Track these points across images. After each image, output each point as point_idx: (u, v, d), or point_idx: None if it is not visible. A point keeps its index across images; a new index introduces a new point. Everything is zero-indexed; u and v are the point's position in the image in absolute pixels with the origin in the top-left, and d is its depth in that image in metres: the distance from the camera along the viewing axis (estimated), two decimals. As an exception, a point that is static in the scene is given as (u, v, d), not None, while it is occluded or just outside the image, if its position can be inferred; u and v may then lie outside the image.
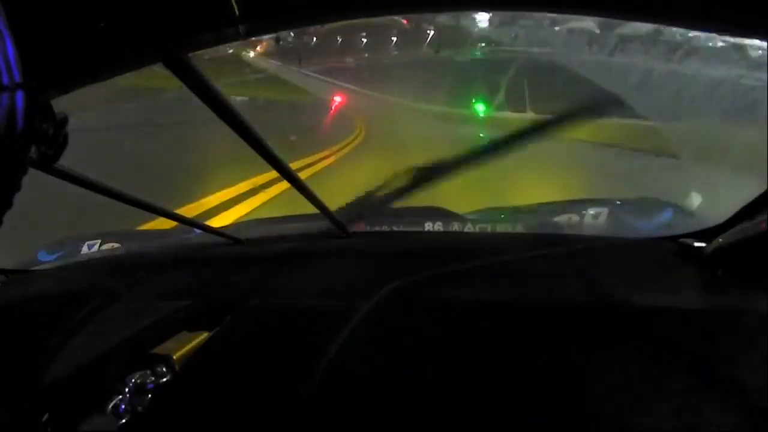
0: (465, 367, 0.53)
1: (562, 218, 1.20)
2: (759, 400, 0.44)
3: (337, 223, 0.98)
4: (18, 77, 0.26)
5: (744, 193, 0.64)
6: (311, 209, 0.89)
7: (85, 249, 1.28)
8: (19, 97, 0.26)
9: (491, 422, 0.46)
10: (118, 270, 1.00)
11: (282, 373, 0.56)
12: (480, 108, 11.30)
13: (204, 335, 0.68)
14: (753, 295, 0.57)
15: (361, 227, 1.14)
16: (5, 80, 0.25)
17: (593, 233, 1.04)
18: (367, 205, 1.20)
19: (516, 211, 1.43)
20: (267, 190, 3.96)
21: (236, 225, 1.33)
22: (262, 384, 0.55)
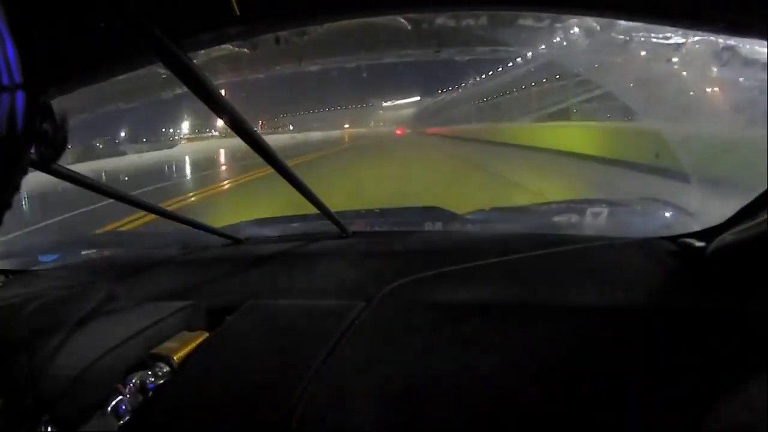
0: (465, 367, 0.53)
1: (562, 218, 1.20)
2: (759, 399, 0.44)
3: (337, 223, 0.98)
4: (18, 77, 0.26)
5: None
6: (311, 209, 0.89)
7: (85, 249, 1.28)
8: (19, 97, 0.26)
9: (491, 421, 0.46)
10: (118, 270, 1.00)
11: (281, 373, 0.56)
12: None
13: (204, 335, 0.68)
14: (753, 295, 0.57)
15: (361, 227, 1.14)
16: (5, 80, 0.25)
17: (593, 233, 1.04)
18: (367, 206, 1.20)
19: (516, 211, 1.43)
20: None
21: (236, 225, 1.33)
22: (262, 384, 0.55)
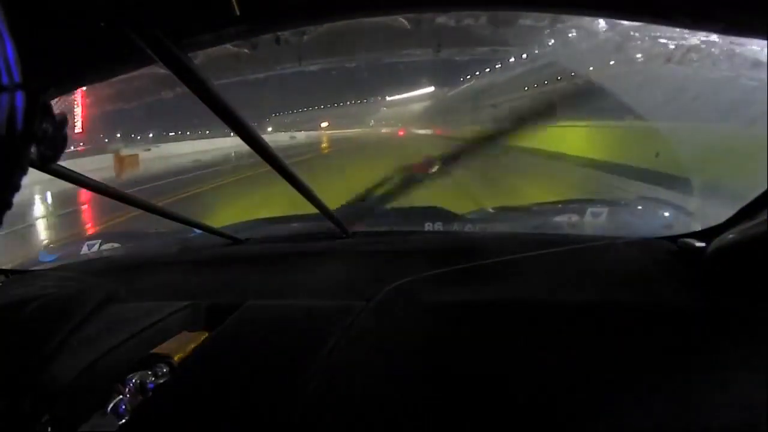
0: (465, 367, 0.53)
1: (562, 218, 1.20)
2: (758, 399, 0.44)
3: (337, 223, 0.98)
4: (18, 77, 0.26)
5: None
6: (312, 209, 0.89)
7: (85, 249, 1.29)
8: (19, 97, 0.26)
9: (491, 421, 0.46)
10: (118, 270, 1.00)
11: (282, 373, 0.56)
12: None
13: (204, 335, 0.68)
14: (753, 295, 0.57)
15: (361, 227, 1.14)
16: (5, 80, 0.25)
17: (593, 233, 1.04)
18: (367, 205, 1.20)
19: (516, 211, 1.43)
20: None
21: (236, 225, 1.33)
22: (262, 384, 0.55)
